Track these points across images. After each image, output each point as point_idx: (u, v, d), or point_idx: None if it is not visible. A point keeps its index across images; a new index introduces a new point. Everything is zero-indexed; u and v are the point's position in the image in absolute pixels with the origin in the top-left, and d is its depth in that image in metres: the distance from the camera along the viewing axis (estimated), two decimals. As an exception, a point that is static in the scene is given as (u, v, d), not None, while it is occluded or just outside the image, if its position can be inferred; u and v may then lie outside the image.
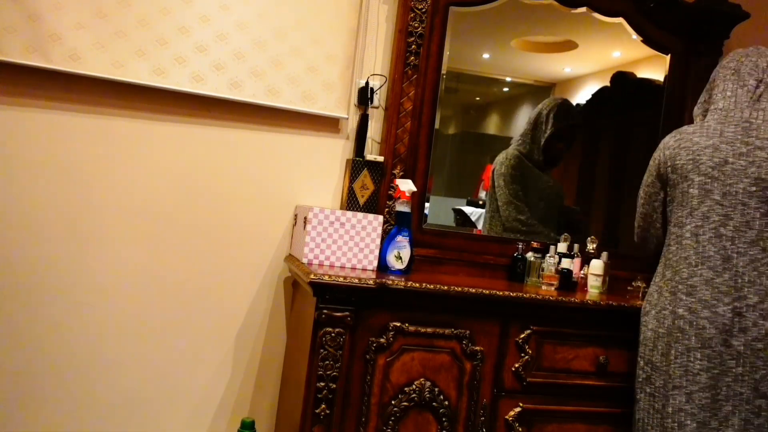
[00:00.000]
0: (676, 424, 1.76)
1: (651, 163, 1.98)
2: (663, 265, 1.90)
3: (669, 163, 1.88)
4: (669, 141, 1.92)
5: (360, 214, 2.04)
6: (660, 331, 1.83)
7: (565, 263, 2.24)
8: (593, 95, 2.57)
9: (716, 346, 1.74)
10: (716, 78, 1.96)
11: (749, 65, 1.89)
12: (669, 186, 1.90)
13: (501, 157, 2.49)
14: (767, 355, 1.73)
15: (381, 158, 2.24)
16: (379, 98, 2.33)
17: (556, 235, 2.41)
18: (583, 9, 2.47)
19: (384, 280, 1.85)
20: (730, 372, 1.74)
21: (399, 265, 2.07)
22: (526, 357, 1.98)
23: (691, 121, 2.56)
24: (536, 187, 2.53)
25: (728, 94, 1.88)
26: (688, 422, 1.75)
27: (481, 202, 2.50)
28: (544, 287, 2.17)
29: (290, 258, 2.22)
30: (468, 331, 1.92)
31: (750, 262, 1.76)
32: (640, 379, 1.89)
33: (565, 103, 2.53)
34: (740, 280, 1.76)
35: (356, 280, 1.80)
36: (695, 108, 2.04)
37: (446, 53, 2.33)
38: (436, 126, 2.33)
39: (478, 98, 2.57)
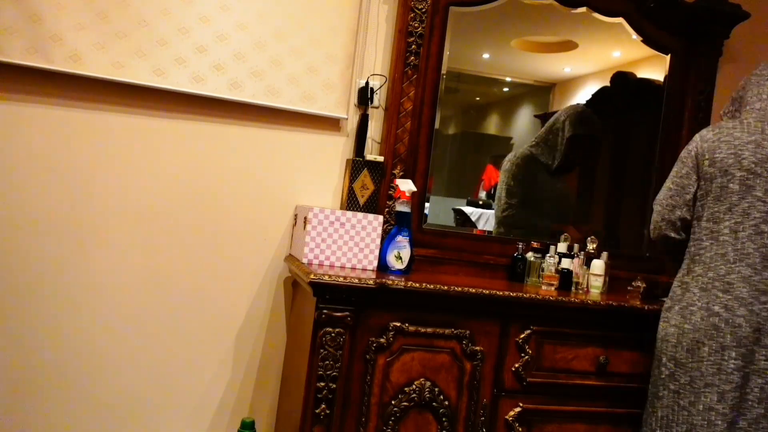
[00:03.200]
0: (705, 422, 1.74)
1: (685, 154, 1.91)
2: (690, 261, 1.87)
3: (707, 156, 1.83)
4: (707, 134, 1.87)
5: (360, 214, 2.04)
6: (686, 327, 1.81)
7: (565, 263, 2.24)
8: (593, 95, 2.57)
9: (750, 345, 1.73)
10: (748, 84, 1.95)
11: None
12: (704, 180, 1.84)
13: (510, 155, 2.51)
14: None
15: (381, 158, 2.24)
16: (379, 98, 2.33)
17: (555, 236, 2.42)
18: (583, 9, 2.47)
19: (384, 280, 1.85)
20: (764, 373, 1.72)
21: (399, 265, 2.07)
22: (526, 357, 1.98)
23: (690, 122, 2.57)
24: (542, 189, 2.54)
25: (764, 96, 1.87)
26: (719, 422, 1.73)
27: (481, 202, 2.50)
28: (544, 287, 2.17)
29: (290, 258, 2.22)
30: (468, 331, 1.92)
31: None
32: (663, 376, 1.86)
33: (585, 112, 2.52)
34: None
35: (356, 280, 1.80)
36: (723, 116, 2.01)
37: (446, 53, 2.34)
38: (436, 126, 2.34)
39: (478, 98, 2.57)
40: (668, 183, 1.95)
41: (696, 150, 1.87)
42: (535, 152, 2.51)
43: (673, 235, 1.94)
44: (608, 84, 2.58)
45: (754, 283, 1.74)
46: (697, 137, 1.91)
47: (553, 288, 2.16)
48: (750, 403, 1.72)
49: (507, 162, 2.50)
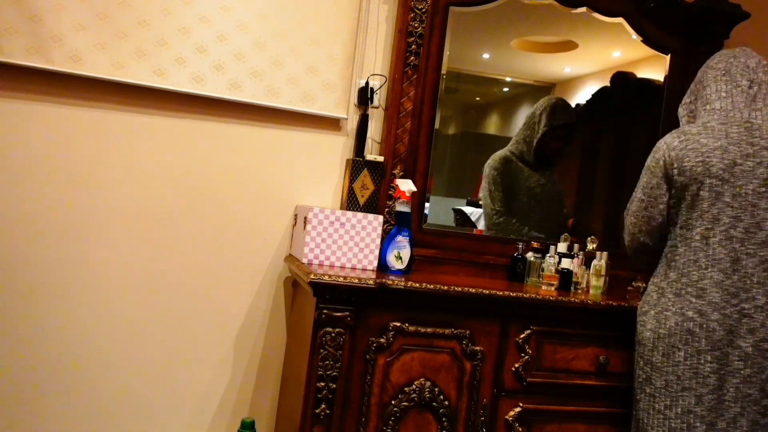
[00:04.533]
0: (685, 425, 1.76)
1: (652, 164, 1.90)
2: (666, 266, 1.88)
3: (676, 165, 1.83)
4: (672, 142, 1.86)
5: (360, 214, 2.04)
6: (661, 332, 1.83)
7: (565, 263, 2.24)
8: (593, 95, 2.57)
9: (724, 347, 1.74)
10: (705, 79, 1.94)
11: (739, 66, 1.89)
12: (674, 188, 1.85)
13: (489, 159, 2.48)
14: None
15: (381, 158, 2.24)
16: (379, 98, 2.33)
17: (548, 237, 2.42)
18: (583, 9, 2.47)
19: (384, 280, 1.85)
20: (738, 374, 1.73)
21: (399, 265, 2.07)
22: (526, 357, 1.98)
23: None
24: (526, 188, 2.52)
25: (723, 94, 1.87)
26: (698, 424, 1.74)
27: (480, 202, 2.50)
28: (544, 287, 2.17)
29: (290, 258, 2.22)
30: (468, 331, 1.92)
31: (759, 263, 1.75)
32: (640, 380, 1.89)
33: (560, 102, 2.52)
34: (749, 281, 1.75)
35: (356, 280, 1.80)
36: (680, 108, 2.02)
37: (446, 53, 2.34)
38: (436, 126, 2.34)
39: (478, 98, 2.57)
40: (639, 194, 1.93)
41: (664, 159, 1.85)
42: (515, 152, 2.48)
43: (651, 243, 1.94)
44: (608, 84, 2.58)
45: (726, 287, 1.76)
46: (663, 145, 1.88)
47: (553, 288, 2.16)
48: (727, 403, 1.74)
49: (486, 167, 2.47)
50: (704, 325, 1.76)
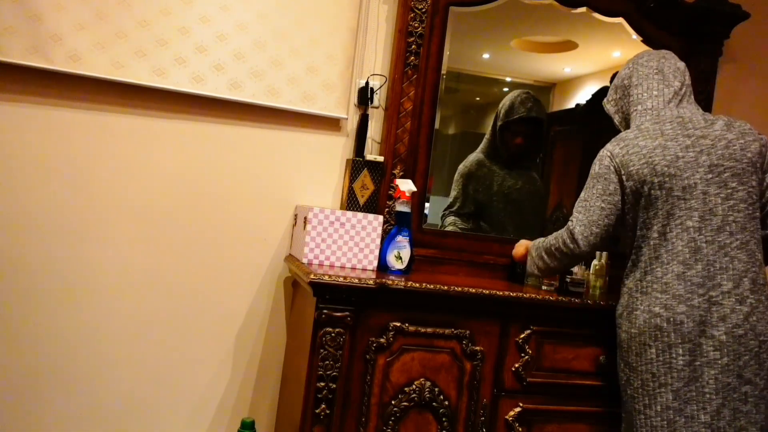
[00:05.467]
0: (665, 422, 1.75)
1: (604, 171, 1.87)
2: (632, 268, 1.88)
3: (623, 171, 1.84)
4: (614, 149, 1.87)
5: (360, 214, 2.04)
6: (632, 332, 1.83)
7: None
8: (593, 95, 2.56)
9: (695, 338, 1.74)
10: (634, 75, 1.96)
11: (671, 67, 1.94)
12: (626, 194, 1.86)
13: (462, 163, 2.44)
14: (747, 340, 1.73)
15: (381, 158, 2.24)
16: (379, 98, 2.33)
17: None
18: (583, 9, 2.47)
19: (384, 280, 1.85)
20: (716, 363, 1.73)
21: (399, 265, 2.07)
22: (526, 357, 1.98)
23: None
24: (500, 193, 2.46)
25: (654, 93, 1.91)
26: (677, 418, 1.74)
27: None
28: (544, 287, 2.17)
29: (290, 258, 2.22)
30: (468, 331, 1.92)
31: (719, 249, 1.76)
32: (622, 383, 1.89)
33: (521, 96, 2.44)
34: (712, 268, 1.76)
35: (356, 280, 1.80)
36: (607, 104, 2.04)
37: (446, 53, 2.34)
38: (436, 126, 2.34)
39: (478, 98, 2.57)
40: (598, 203, 1.87)
41: (615, 166, 1.86)
42: (486, 153, 2.44)
43: (611, 236, 1.92)
44: (608, 84, 2.58)
45: (689, 278, 1.76)
46: (607, 153, 1.88)
47: (553, 288, 2.16)
48: (708, 396, 1.73)
49: (457, 174, 2.43)
50: (671, 319, 1.76)
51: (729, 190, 1.79)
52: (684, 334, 1.75)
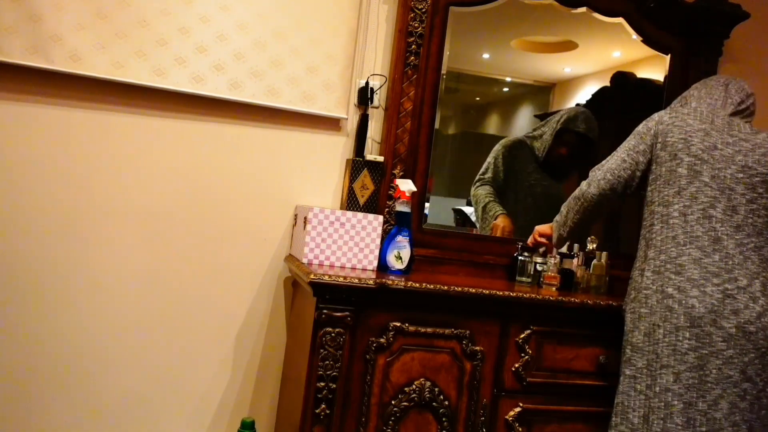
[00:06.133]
0: (662, 404, 1.76)
1: (644, 130, 1.94)
2: (645, 247, 1.89)
3: (660, 139, 1.89)
4: (664, 116, 1.93)
5: (360, 214, 2.04)
6: (642, 311, 1.83)
7: (566, 263, 2.24)
8: (593, 95, 2.57)
9: (705, 326, 1.75)
10: (699, 85, 2.04)
11: (735, 85, 2.00)
12: (656, 163, 1.90)
13: (503, 140, 2.50)
14: (758, 338, 1.74)
15: (381, 158, 2.24)
16: (379, 98, 2.33)
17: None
18: (583, 9, 2.47)
19: (384, 280, 1.85)
20: (721, 354, 1.74)
21: (399, 265, 2.07)
22: (526, 357, 1.98)
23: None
24: (527, 184, 2.52)
25: (716, 97, 1.97)
26: (675, 402, 1.75)
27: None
28: (544, 287, 2.17)
29: (290, 258, 2.22)
30: (468, 331, 1.92)
31: (737, 245, 1.79)
32: (623, 362, 1.88)
33: (583, 112, 2.52)
34: (731, 261, 1.78)
35: (356, 280, 1.80)
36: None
37: (446, 53, 2.34)
38: (436, 126, 2.34)
39: (478, 98, 2.57)
40: (622, 154, 1.96)
41: (655, 130, 1.92)
42: (528, 141, 2.50)
43: (620, 191, 1.95)
44: (608, 84, 2.58)
45: (705, 265, 1.78)
46: (656, 117, 1.95)
47: (553, 288, 2.16)
48: (709, 385, 1.74)
49: (498, 144, 2.49)
50: (683, 302, 1.77)
51: (755, 195, 1.82)
52: (694, 318, 1.75)
